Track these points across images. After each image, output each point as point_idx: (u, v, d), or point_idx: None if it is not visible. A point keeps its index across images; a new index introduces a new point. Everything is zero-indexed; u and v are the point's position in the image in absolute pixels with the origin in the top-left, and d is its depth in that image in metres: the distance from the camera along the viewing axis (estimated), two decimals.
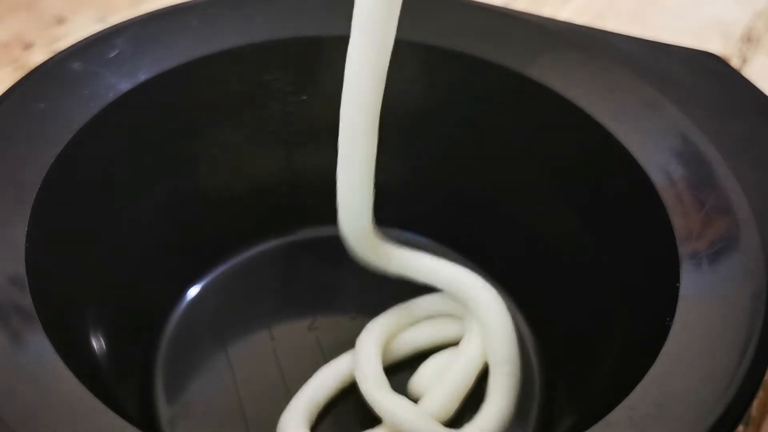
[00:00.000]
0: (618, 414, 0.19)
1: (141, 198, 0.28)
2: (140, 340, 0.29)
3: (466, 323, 0.29)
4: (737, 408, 0.19)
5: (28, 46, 0.41)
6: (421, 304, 0.29)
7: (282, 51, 0.29)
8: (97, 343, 0.25)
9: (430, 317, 0.29)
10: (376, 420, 0.26)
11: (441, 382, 0.27)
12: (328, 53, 0.29)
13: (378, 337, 0.28)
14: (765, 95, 0.28)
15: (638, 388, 0.19)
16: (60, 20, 0.43)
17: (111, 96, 0.26)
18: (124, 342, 0.27)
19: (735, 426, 0.19)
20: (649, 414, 0.19)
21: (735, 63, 0.43)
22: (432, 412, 0.26)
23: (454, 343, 0.29)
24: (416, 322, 0.29)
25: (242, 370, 0.29)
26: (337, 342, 0.29)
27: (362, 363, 0.27)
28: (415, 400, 0.27)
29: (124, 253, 0.28)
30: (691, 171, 0.24)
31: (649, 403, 0.19)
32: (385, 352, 0.28)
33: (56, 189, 0.23)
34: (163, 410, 0.27)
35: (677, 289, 0.21)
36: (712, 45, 0.43)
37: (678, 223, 0.23)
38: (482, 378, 0.28)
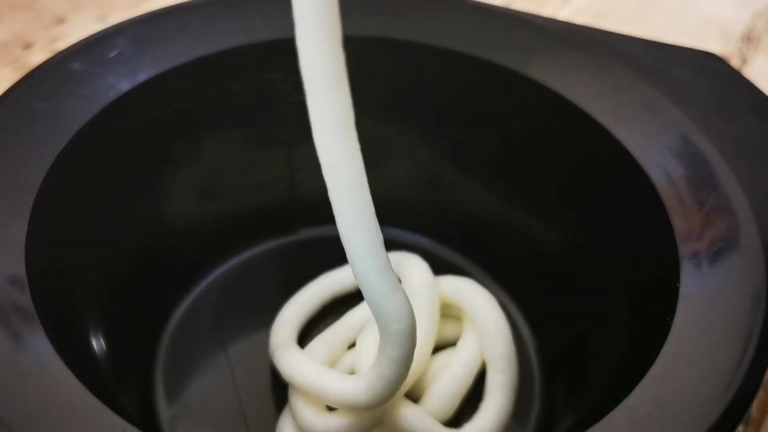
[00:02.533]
0: (618, 414, 0.19)
1: (141, 198, 0.28)
2: (140, 340, 0.29)
3: (464, 323, 0.29)
4: (737, 408, 0.19)
5: (28, 46, 0.41)
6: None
7: (282, 51, 0.29)
8: (97, 343, 0.25)
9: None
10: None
11: (440, 381, 0.27)
12: None
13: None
14: (765, 95, 0.28)
15: (638, 388, 0.19)
16: (60, 20, 0.43)
17: (111, 96, 0.25)
18: (124, 342, 0.27)
19: (735, 426, 0.19)
20: (649, 414, 0.19)
21: (735, 63, 0.43)
22: (431, 411, 0.26)
23: (452, 344, 0.29)
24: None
25: (242, 370, 0.29)
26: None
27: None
28: (414, 400, 0.27)
29: (124, 252, 0.28)
30: (691, 171, 0.24)
31: (649, 403, 0.19)
32: None
33: (56, 189, 0.23)
34: (163, 410, 0.27)
35: (677, 289, 0.21)
36: (712, 45, 0.43)
37: (678, 223, 0.23)
38: (481, 378, 0.28)
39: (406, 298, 0.20)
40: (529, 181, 0.30)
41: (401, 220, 0.33)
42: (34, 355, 0.19)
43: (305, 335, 0.29)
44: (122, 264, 0.28)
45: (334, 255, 0.31)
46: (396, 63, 0.29)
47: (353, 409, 0.24)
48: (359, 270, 0.20)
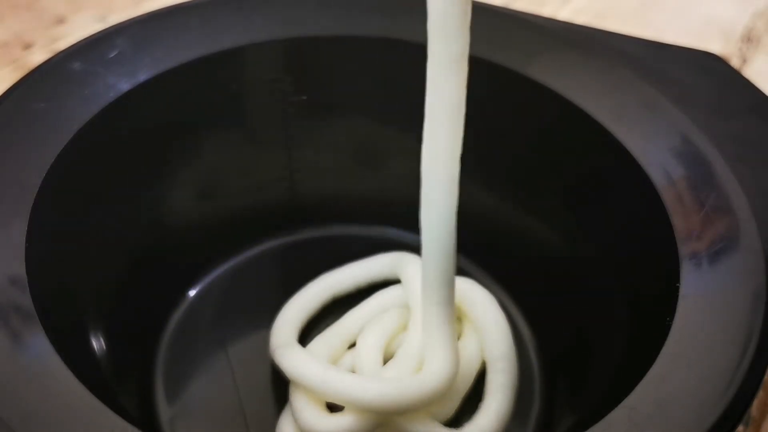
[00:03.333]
0: (618, 414, 0.19)
1: (141, 198, 0.28)
2: (140, 340, 0.29)
3: (464, 323, 0.29)
4: (737, 408, 0.19)
5: (28, 46, 0.41)
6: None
7: (282, 51, 0.29)
8: (97, 343, 0.25)
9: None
10: None
11: None
12: (328, 53, 0.29)
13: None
14: (765, 95, 0.28)
15: (638, 388, 0.19)
16: (60, 20, 0.43)
17: (111, 96, 0.26)
18: (124, 342, 0.27)
19: (735, 426, 0.19)
20: (649, 414, 0.19)
21: (735, 63, 0.43)
22: (432, 411, 0.26)
23: None
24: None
25: (242, 370, 0.29)
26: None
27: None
28: None
29: (125, 252, 0.28)
30: (691, 171, 0.24)
31: (649, 403, 0.19)
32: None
33: (56, 189, 0.23)
34: (163, 410, 0.27)
35: (677, 289, 0.21)
36: (712, 45, 0.43)
37: (678, 223, 0.23)
38: (481, 378, 0.28)
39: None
40: (528, 180, 0.30)
41: (401, 220, 0.33)
42: (34, 355, 0.19)
43: (305, 335, 0.29)
44: (122, 264, 0.28)
45: (334, 255, 0.31)
46: (395, 63, 0.29)
47: (360, 408, 0.24)
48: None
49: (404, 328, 0.29)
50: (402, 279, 0.30)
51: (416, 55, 0.29)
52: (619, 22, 0.45)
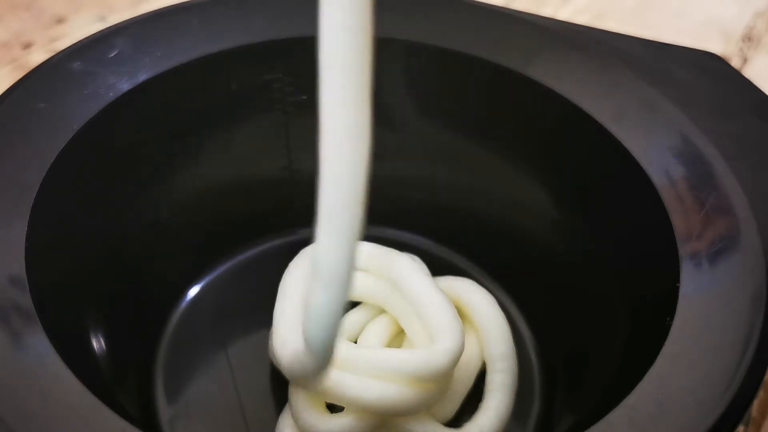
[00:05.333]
0: (618, 414, 0.19)
1: (140, 198, 0.28)
2: (140, 340, 0.29)
3: (464, 323, 0.29)
4: (737, 408, 0.19)
5: (27, 46, 0.41)
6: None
7: (282, 51, 0.29)
8: (97, 343, 0.25)
9: None
10: None
11: None
12: None
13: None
14: (765, 95, 0.28)
15: (638, 388, 0.19)
16: (60, 20, 0.43)
17: (111, 96, 0.25)
18: (124, 342, 0.27)
19: (735, 426, 0.19)
20: (649, 414, 0.19)
21: (735, 63, 0.43)
22: (432, 412, 0.26)
23: None
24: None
25: (242, 370, 0.29)
26: None
27: None
28: None
29: (124, 252, 0.28)
30: (691, 171, 0.24)
31: (649, 403, 0.19)
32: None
33: (56, 189, 0.23)
34: (163, 410, 0.27)
35: (677, 289, 0.21)
36: (712, 45, 0.43)
37: (678, 223, 0.23)
38: (481, 378, 0.28)
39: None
40: (528, 181, 0.30)
41: (401, 221, 0.33)
42: (34, 355, 0.19)
43: None
44: (122, 264, 0.28)
45: None
46: (395, 63, 0.29)
47: (360, 408, 0.24)
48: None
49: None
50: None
51: (417, 54, 0.29)
52: (619, 22, 0.45)
